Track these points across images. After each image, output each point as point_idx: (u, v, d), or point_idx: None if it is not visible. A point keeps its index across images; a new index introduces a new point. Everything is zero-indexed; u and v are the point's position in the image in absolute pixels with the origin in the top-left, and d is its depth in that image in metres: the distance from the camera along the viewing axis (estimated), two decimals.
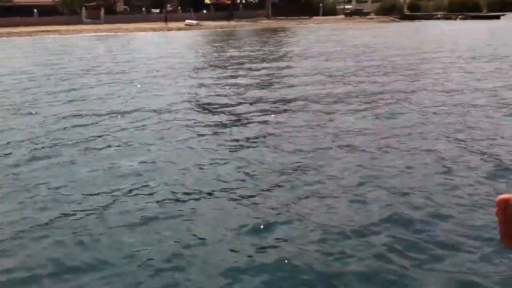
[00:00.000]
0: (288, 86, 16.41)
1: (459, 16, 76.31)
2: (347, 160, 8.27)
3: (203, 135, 10.10)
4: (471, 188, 7.02)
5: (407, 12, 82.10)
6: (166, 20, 65.82)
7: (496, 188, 6.96)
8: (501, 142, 9.24)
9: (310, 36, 43.89)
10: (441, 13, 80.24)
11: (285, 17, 74.84)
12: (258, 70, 20.91)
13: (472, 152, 8.65)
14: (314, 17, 76.58)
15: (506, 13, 78.68)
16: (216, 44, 37.90)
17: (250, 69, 21.32)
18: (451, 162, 8.12)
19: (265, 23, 68.68)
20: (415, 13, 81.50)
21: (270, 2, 78.90)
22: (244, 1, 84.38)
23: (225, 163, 8.23)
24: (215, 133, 10.23)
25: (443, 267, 5.00)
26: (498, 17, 75.04)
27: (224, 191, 6.96)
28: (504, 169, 7.77)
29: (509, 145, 9.02)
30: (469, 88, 15.11)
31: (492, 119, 11.06)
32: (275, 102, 13.62)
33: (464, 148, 8.90)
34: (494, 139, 9.45)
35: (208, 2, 77.24)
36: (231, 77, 19.03)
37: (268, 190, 6.97)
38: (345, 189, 6.94)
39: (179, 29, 59.30)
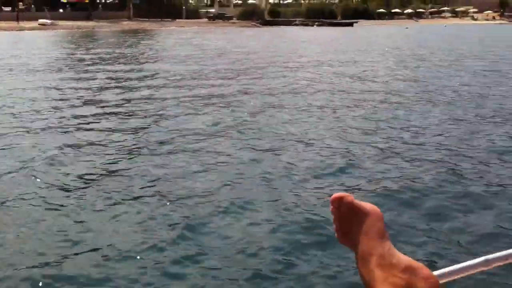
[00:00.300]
0: (126, 90, 15.87)
1: (316, 23, 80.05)
2: (147, 170, 7.94)
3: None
4: (271, 195, 6.98)
5: (268, 18, 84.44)
6: (18, 19, 61.65)
7: (302, 194, 7.02)
8: (309, 148, 9.39)
9: (169, 39, 43.38)
10: (300, 19, 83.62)
11: (147, 19, 73.50)
12: (101, 72, 20.04)
13: (271, 155, 8.75)
14: (177, 20, 76.04)
15: (358, 20, 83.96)
16: (68, 46, 36.05)
17: (94, 71, 20.35)
18: (259, 167, 8.13)
19: (126, 24, 66.95)
20: (275, 18, 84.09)
21: (132, 2, 77.16)
22: (104, 1, 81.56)
23: (13, 176, 7.54)
24: (21, 143, 9.43)
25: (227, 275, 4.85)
26: (351, 24, 79.81)
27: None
28: (311, 176, 7.88)
29: (314, 150, 9.22)
30: (302, 91, 15.57)
31: (307, 123, 11.34)
32: (104, 107, 13.01)
33: (272, 152, 8.99)
34: (304, 143, 9.64)
35: (65, 1, 73.49)
36: (70, 80, 17.99)
37: (50, 207, 6.42)
38: (137, 200, 6.62)
39: (32, 29, 55.90)
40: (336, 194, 0.86)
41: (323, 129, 10.78)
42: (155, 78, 18.72)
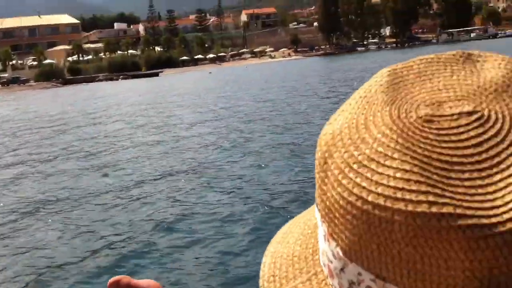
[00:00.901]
0: None
1: (121, 76, 78.95)
2: None
3: None
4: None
5: (68, 76, 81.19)
6: None
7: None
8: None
9: None
10: (103, 74, 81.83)
11: None
12: None
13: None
14: None
15: (163, 69, 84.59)
16: None
17: None
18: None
19: None
20: (77, 76, 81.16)
21: None
22: None
23: None
24: None
25: None
26: (157, 74, 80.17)
27: None
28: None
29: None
30: (76, 153, 14.92)
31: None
32: None
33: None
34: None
35: None
36: None
37: None
38: None
39: None
40: (111, 280, 0.79)
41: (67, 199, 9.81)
42: None
